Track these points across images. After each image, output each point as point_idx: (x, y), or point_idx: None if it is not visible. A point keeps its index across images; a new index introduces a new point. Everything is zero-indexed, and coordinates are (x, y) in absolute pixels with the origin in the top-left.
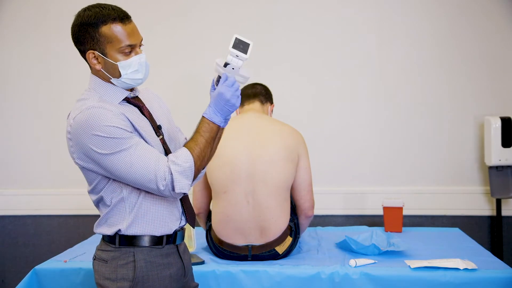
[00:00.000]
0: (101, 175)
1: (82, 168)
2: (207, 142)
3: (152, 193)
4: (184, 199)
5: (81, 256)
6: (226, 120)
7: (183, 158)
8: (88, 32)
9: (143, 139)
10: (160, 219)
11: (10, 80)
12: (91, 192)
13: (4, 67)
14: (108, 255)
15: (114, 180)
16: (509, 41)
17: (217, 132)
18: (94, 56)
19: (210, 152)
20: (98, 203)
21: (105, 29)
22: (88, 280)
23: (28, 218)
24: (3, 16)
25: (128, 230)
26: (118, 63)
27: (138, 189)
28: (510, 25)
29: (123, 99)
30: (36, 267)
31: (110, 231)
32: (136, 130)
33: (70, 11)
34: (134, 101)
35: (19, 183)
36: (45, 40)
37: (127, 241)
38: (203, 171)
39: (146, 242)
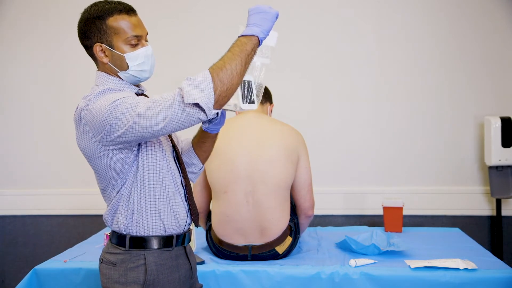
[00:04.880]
0: (127, 153)
1: (109, 152)
2: (234, 54)
3: (161, 190)
4: (190, 197)
5: (81, 256)
6: (265, 32)
7: (198, 74)
8: (95, 25)
9: None
10: (170, 216)
11: (10, 80)
12: (104, 189)
13: (4, 67)
14: (117, 258)
15: (131, 175)
16: (509, 41)
17: (252, 47)
18: (102, 49)
19: (240, 64)
20: (108, 197)
21: (111, 20)
22: (88, 280)
23: (28, 218)
24: (3, 17)
25: (138, 229)
26: (125, 55)
27: (150, 185)
28: (510, 25)
29: None
30: (36, 267)
31: (118, 227)
32: None
33: (70, 13)
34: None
35: (19, 183)
36: (45, 41)
37: (137, 243)
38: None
39: (156, 244)
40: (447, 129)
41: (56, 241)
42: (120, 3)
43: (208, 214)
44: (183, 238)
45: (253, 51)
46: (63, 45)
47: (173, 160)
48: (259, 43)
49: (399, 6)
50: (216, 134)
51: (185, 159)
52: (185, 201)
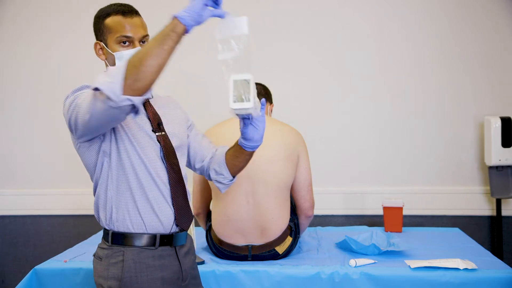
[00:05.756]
0: (97, 148)
1: (82, 145)
2: (152, 39)
3: (138, 188)
4: (175, 199)
5: (81, 256)
6: (188, 11)
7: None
8: (97, 24)
9: (128, 128)
10: (150, 214)
11: (10, 80)
12: (92, 181)
13: (4, 67)
14: (103, 253)
15: (104, 170)
16: (509, 41)
17: (171, 27)
18: (100, 47)
19: (154, 46)
20: (93, 190)
21: (108, 20)
22: (88, 280)
23: (28, 218)
24: (3, 16)
25: (118, 225)
26: (114, 53)
27: (126, 182)
28: (510, 25)
29: None
30: (36, 267)
31: (102, 222)
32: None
33: (70, 13)
34: None
35: (19, 183)
36: (45, 40)
37: (119, 239)
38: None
39: (136, 241)
40: (447, 129)
41: (56, 241)
42: (123, 5)
43: (208, 214)
44: (171, 239)
45: (173, 32)
46: (63, 44)
47: (159, 159)
48: (181, 24)
49: (399, 6)
50: (251, 153)
51: (215, 167)
52: (170, 201)
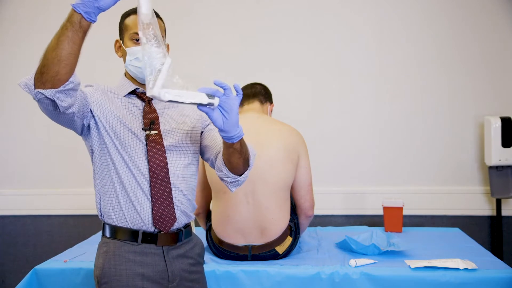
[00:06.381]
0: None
1: (83, 138)
2: (59, 28)
3: (118, 182)
4: (156, 198)
5: (81, 256)
6: (81, 2)
7: None
8: (120, 23)
9: (110, 125)
10: (131, 210)
11: (10, 80)
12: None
13: (4, 67)
14: (99, 243)
15: (93, 162)
16: (509, 41)
17: (67, 18)
18: (119, 45)
19: (53, 39)
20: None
21: (127, 19)
22: (88, 280)
23: (28, 218)
24: (3, 16)
25: (106, 218)
26: (126, 49)
27: (109, 175)
28: (510, 25)
29: (131, 93)
30: (36, 267)
31: (98, 213)
32: (104, 112)
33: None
34: (141, 95)
35: (19, 183)
36: (45, 40)
37: (107, 231)
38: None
39: (120, 235)
40: (447, 129)
41: (56, 241)
42: None
43: (208, 214)
44: (155, 238)
45: (68, 21)
46: None
47: (144, 157)
48: (76, 13)
49: (399, 6)
50: (233, 146)
51: (218, 163)
52: (150, 199)
